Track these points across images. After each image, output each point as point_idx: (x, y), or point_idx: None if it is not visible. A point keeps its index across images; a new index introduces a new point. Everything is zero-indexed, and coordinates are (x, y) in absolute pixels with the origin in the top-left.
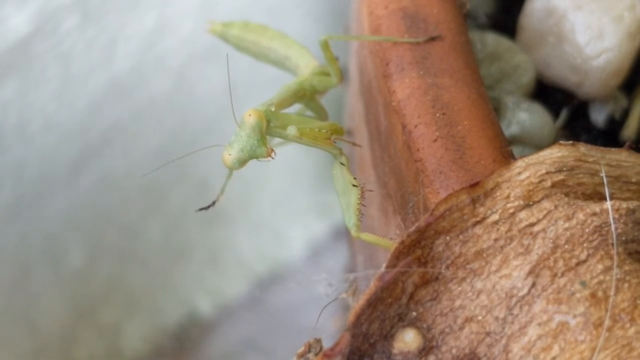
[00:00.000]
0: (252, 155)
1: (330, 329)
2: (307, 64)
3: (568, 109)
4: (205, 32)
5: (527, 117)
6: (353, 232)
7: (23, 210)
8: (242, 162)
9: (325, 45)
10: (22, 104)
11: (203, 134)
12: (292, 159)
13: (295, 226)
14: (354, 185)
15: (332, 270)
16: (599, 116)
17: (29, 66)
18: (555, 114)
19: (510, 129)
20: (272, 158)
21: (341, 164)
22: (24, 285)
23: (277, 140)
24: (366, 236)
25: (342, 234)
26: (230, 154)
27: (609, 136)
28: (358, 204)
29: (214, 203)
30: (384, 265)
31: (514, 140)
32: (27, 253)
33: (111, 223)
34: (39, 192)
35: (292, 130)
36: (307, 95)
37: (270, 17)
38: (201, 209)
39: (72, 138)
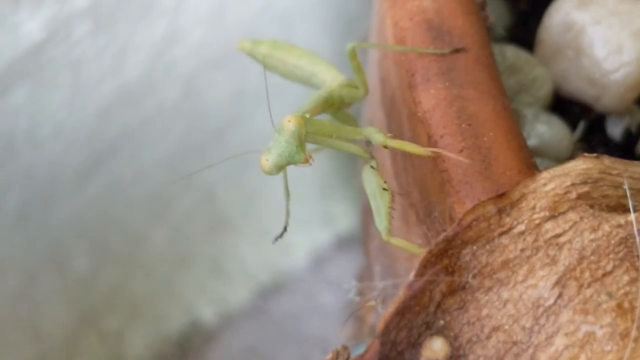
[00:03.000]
0: (290, 161)
1: (334, 339)
2: (333, 79)
3: (585, 122)
4: (236, 50)
5: (545, 129)
6: (384, 236)
7: (30, 216)
8: (279, 168)
9: (352, 54)
10: (32, 110)
11: (210, 142)
12: (297, 168)
13: (299, 235)
14: (384, 189)
15: (335, 280)
16: (615, 130)
17: (41, 72)
18: (572, 126)
19: (529, 140)
20: (310, 164)
21: (371, 167)
22: (29, 291)
23: (310, 146)
24: (396, 241)
25: (345, 243)
26: (268, 160)
27: (625, 150)
28: (389, 207)
29: (285, 229)
30: (412, 274)
31: (532, 152)
32: (33, 258)
33: (117, 230)
34: (47, 198)
35: (378, 137)
36: (335, 104)
37: (279, 26)
38: (276, 239)
39: (80, 145)
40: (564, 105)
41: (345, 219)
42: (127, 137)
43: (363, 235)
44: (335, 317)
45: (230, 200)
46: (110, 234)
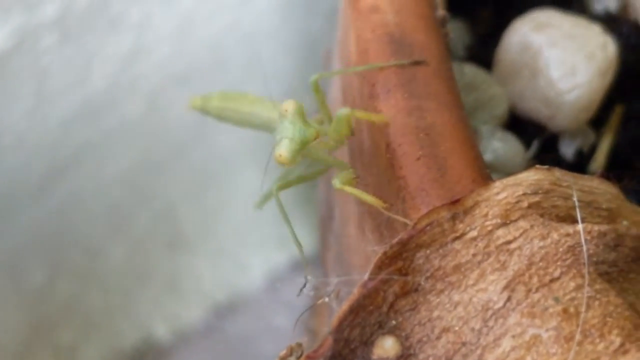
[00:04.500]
0: (304, 140)
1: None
2: None
3: (539, 141)
4: (187, 108)
5: (500, 145)
6: (336, 185)
7: None
8: (296, 152)
9: (316, 86)
10: None
11: (172, 159)
12: (255, 189)
13: (256, 256)
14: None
15: (291, 301)
16: (568, 149)
17: (5, 81)
18: (527, 144)
19: (485, 155)
20: (321, 140)
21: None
22: None
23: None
24: (350, 189)
25: (302, 265)
26: (282, 149)
27: (577, 169)
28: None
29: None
30: (367, 273)
31: (487, 167)
32: None
33: (75, 243)
34: (5, 208)
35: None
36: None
37: (245, 45)
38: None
39: (42, 156)
40: (519, 124)
41: (302, 242)
42: (89, 150)
43: (320, 245)
44: (289, 339)
45: (189, 218)
46: (68, 247)
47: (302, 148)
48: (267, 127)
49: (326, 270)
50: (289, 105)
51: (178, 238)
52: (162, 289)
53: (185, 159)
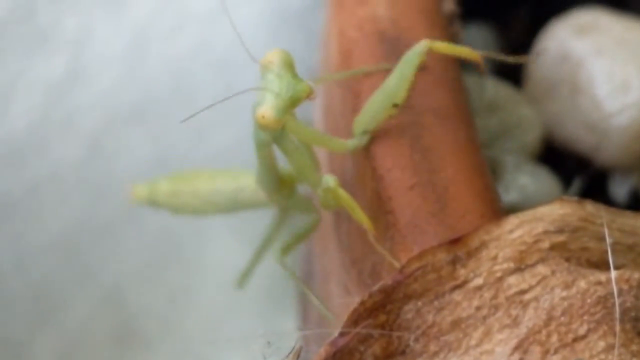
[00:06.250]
0: (294, 96)
1: None
2: None
3: (582, 179)
4: (129, 200)
5: (529, 182)
6: (329, 183)
7: None
8: (284, 111)
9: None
10: None
11: (119, 222)
12: (236, 268)
13: (235, 358)
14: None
15: None
16: (619, 190)
17: None
18: (566, 183)
19: (509, 195)
20: (314, 98)
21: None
22: None
23: None
24: (343, 192)
25: None
26: (266, 109)
27: None
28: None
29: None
30: (338, 329)
31: (511, 210)
32: None
33: None
34: None
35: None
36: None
37: (215, 71)
38: None
39: None
40: (556, 156)
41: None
42: (7, 209)
43: (300, 312)
44: None
45: (143, 305)
46: None
47: (292, 107)
48: (235, 203)
49: (307, 340)
50: (274, 56)
51: (128, 332)
52: None
53: (138, 223)
